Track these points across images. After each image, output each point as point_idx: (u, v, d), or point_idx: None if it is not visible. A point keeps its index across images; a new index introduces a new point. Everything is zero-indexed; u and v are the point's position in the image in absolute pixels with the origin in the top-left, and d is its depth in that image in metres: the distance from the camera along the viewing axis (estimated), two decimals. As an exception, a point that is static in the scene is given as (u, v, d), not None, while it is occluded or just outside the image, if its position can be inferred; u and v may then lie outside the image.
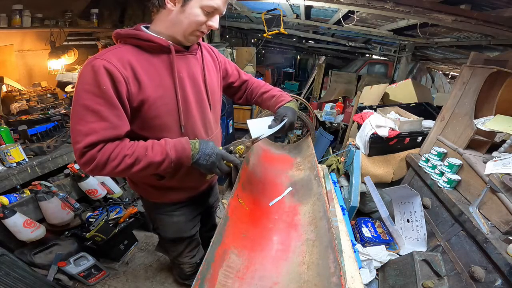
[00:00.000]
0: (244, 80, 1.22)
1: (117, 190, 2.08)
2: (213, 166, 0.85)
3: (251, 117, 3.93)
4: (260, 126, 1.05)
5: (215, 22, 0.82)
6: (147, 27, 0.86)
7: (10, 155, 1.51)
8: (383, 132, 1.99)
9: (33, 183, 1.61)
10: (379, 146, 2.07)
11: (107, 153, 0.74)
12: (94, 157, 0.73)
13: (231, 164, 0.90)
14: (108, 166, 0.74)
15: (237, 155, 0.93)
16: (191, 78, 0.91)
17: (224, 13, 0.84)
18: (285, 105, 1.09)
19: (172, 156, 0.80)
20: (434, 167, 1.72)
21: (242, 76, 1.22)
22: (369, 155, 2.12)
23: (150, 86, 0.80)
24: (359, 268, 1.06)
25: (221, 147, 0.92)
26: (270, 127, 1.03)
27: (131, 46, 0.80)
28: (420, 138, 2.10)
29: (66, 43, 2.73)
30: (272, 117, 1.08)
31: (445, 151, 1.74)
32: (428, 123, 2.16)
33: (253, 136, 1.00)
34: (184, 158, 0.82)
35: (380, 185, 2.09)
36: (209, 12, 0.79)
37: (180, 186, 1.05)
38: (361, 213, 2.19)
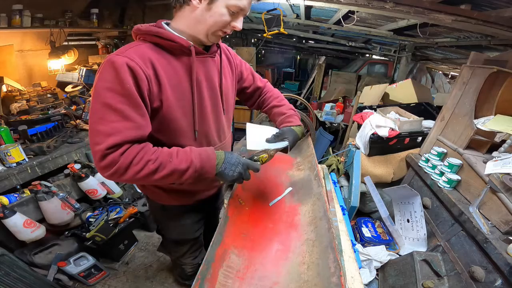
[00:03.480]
0: (258, 86, 1.18)
1: (117, 190, 2.08)
2: (239, 177, 0.84)
3: (251, 118, 3.93)
4: (258, 136, 1.04)
5: (239, 23, 0.80)
6: (167, 24, 0.83)
7: (10, 155, 1.51)
8: (383, 132, 1.99)
9: (33, 183, 1.61)
10: (379, 146, 2.07)
11: (130, 157, 0.69)
12: (116, 160, 0.68)
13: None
14: (130, 171, 0.70)
15: (259, 162, 0.92)
16: (208, 81, 0.89)
17: (248, 13, 0.82)
18: (291, 127, 1.07)
19: (197, 165, 0.77)
20: (434, 167, 1.72)
21: (256, 82, 1.18)
22: (369, 155, 2.12)
23: (169, 87, 0.78)
24: (359, 268, 1.06)
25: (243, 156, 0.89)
26: (268, 141, 1.02)
27: (151, 44, 0.78)
28: (420, 138, 2.10)
29: (66, 43, 2.74)
30: (273, 129, 1.07)
31: (445, 151, 1.74)
32: (428, 123, 2.16)
33: (249, 146, 0.99)
34: (208, 168, 0.80)
35: (380, 185, 2.09)
36: (234, 12, 0.77)
37: (191, 189, 1.03)
38: (361, 213, 2.19)
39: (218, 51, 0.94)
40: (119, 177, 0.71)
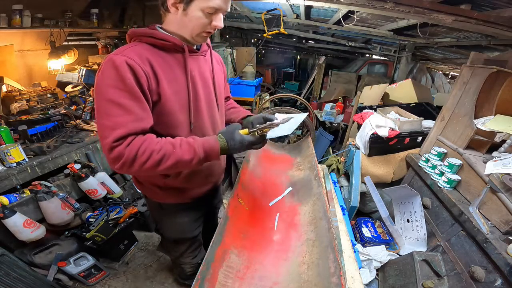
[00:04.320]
0: (228, 96, 1.30)
1: (117, 190, 2.08)
2: (247, 150, 0.87)
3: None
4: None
5: (219, 22, 0.83)
6: (160, 27, 0.89)
7: (10, 155, 1.51)
8: (383, 132, 1.99)
9: (33, 183, 1.60)
10: (379, 146, 2.07)
11: (135, 149, 0.74)
12: (122, 153, 0.73)
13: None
14: (136, 162, 0.74)
15: (264, 134, 0.90)
16: (201, 77, 0.95)
17: (228, 10, 0.84)
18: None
19: (201, 155, 0.81)
20: (434, 167, 1.72)
21: (228, 91, 1.29)
22: (369, 155, 2.12)
23: (166, 82, 0.83)
24: (359, 268, 1.06)
25: (246, 131, 0.87)
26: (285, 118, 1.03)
27: (146, 44, 0.83)
28: (420, 138, 2.10)
29: (66, 43, 2.74)
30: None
31: (445, 151, 1.74)
32: (428, 123, 2.16)
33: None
34: (213, 156, 0.83)
35: (380, 185, 2.09)
36: (211, 13, 0.80)
37: (185, 186, 1.05)
38: (361, 213, 2.19)
39: (209, 50, 1.00)
40: (128, 168, 0.75)
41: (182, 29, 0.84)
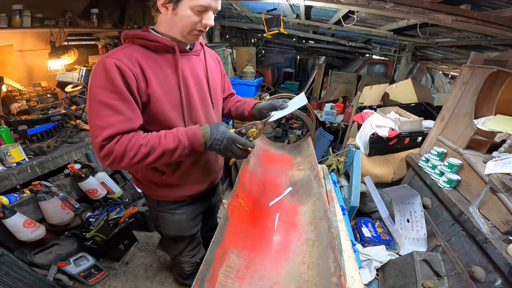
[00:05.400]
0: (231, 92, 1.31)
1: (117, 190, 2.08)
2: (226, 151, 0.86)
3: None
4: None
5: (209, 20, 0.84)
6: (152, 29, 0.91)
7: (10, 155, 1.51)
8: (383, 132, 1.99)
9: (33, 183, 1.60)
10: (379, 146, 2.07)
11: (124, 144, 0.77)
12: (112, 149, 0.76)
13: (248, 148, 0.88)
14: (126, 157, 0.77)
15: (250, 138, 0.90)
16: (194, 76, 0.96)
17: (219, 8, 0.85)
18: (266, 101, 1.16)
19: (185, 142, 0.82)
20: (434, 167, 1.72)
21: (230, 88, 1.29)
22: (369, 155, 2.12)
23: (156, 83, 0.84)
24: (359, 268, 1.06)
25: (233, 130, 0.90)
26: (281, 107, 1.04)
27: (138, 46, 0.85)
28: (420, 138, 2.10)
29: (66, 43, 2.73)
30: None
31: (445, 151, 1.74)
32: (428, 123, 2.16)
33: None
34: (197, 144, 0.84)
35: (380, 185, 2.09)
36: (200, 11, 0.81)
37: (182, 183, 1.06)
38: (361, 213, 2.19)
39: (202, 49, 1.01)
40: (118, 164, 0.79)
41: (173, 29, 0.85)
